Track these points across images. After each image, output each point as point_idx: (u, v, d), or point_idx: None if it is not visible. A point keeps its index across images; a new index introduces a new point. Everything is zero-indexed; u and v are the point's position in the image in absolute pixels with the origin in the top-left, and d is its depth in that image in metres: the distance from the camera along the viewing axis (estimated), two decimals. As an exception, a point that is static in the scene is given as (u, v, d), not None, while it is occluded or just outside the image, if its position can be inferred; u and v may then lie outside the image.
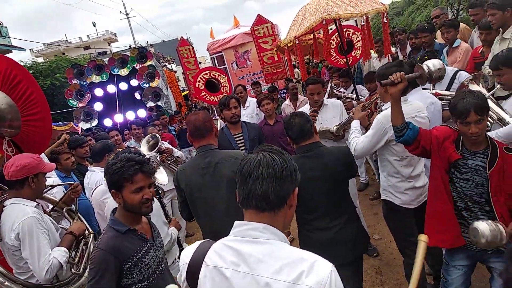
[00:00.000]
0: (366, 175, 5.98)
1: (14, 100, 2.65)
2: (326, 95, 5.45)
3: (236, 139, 3.80)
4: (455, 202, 2.31)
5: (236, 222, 1.24)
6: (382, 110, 2.97)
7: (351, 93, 5.28)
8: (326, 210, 2.53)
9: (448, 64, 4.34)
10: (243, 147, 3.77)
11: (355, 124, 3.16)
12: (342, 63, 6.12)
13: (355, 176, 2.91)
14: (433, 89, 3.74)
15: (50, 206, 2.83)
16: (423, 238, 1.51)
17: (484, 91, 2.90)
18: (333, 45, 5.98)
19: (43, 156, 3.42)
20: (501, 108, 2.80)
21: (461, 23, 4.78)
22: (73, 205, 2.87)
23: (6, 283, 2.23)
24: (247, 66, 11.12)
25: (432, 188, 2.42)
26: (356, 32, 6.11)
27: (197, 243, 1.35)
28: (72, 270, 2.43)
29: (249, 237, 1.19)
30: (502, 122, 2.71)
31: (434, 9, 5.96)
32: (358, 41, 5.99)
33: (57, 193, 3.24)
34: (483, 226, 1.81)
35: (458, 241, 2.31)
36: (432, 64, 2.31)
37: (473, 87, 3.02)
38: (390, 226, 3.13)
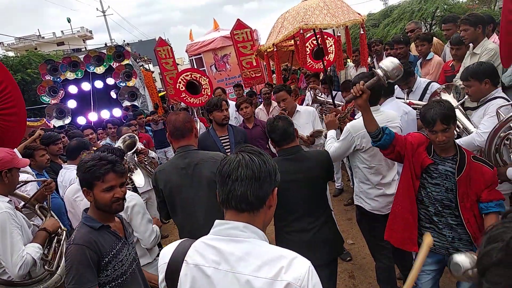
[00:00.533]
0: (342, 181, 6.10)
1: (-13, 93, 2.58)
2: (306, 101, 5.58)
3: (222, 141, 3.81)
4: (426, 207, 2.42)
5: (217, 221, 1.25)
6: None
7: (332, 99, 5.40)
8: (306, 211, 2.59)
9: (422, 76, 4.52)
10: (229, 150, 3.79)
11: (331, 133, 3.27)
12: (317, 67, 6.31)
13: (332, 179, 2.98)
14: (406, 99, 3.91)
15: (22, 203, 2.75)
16: (427, 241, 1.53)
17: (454, 101, 3.05)
18: (307, 51, 6.12)
19: (16, 151, 3.31)
20: (468, 118, 2.95)
21: (434, 37, 4.99)
22: (45, 202, 2.79)
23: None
24: (226, 70, 11.17)
25: (400, 190, 2.54)
26: (329, 38, 6.34)
27: (176, 242, 1.34)
28: (45, 267, 2.38)
29: (230, 236, 1.20)
30: (467, 131, 2.86)
31: (409, 23, 6.20)
32: (331, 45, 6.19)
33: (31, 191, 3.15)
34: (462, 259, 1.80)
35: (407, 243, 2.46)
36: (385, 66, 2.31)
37: (445, 96, 3.18)
38: (362, 231, 3.23)
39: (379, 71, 2.34)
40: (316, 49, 5.72)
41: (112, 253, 1.92)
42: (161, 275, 1.29)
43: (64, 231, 2.63)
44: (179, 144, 2.60)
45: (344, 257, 4.06)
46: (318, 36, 5.17)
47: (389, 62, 2.33)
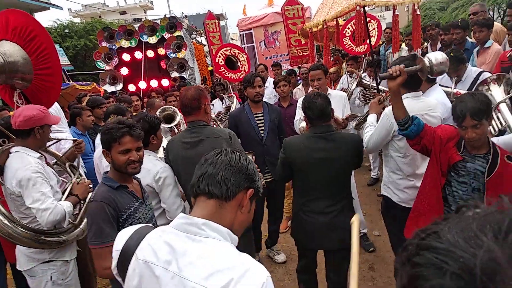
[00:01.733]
0: (379, 170, 5.88)
1: (29, 54, 2.73)
2: (346, 84, 5.36)
3: (256, 118, 3.80)
4: (449, 206, 2.26)
5: (180, 214, 1.18)
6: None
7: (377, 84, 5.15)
8: (325, 193, 2.60)
9: (477, 65, 4.15)
10: (262, 127, 3.78)
11: (371, 118, 3.10)
12: (357, 50, 6.02)
13: (359, 167, 2.90)
14: (454, 88, 3.61)
15: (54, 160, 2.93)
16: (355, 219, 1.44)
17: (502, 94, 2.77)
18: (348, 33, 5.84)
19: (56, 109, 3.51)
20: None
21: (497, 24, 4.53)
22: (76, 162, 2.96)
23: (6, 221, 2.36)
24: (275, 47, 11.01)
25: (426, 187, 2.38)
26: (372, 20, 5.98)
27: (135, 227, 1.27)
28: (69, 219, 2.54)
29: (187, 232, 1.12)
30: (510, 129, 2.59)
31: (474, 5, 5.64)
32: (373, 29, 5.84)
33: (67, 149, 3.34)
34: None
35: None
36: (434, 57, 2.20)
37: (494, 87, 2.89)
38: (386, 222, 3.11)
39: (425, 60, 2.21)
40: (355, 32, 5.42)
41: (130, 211, 2.01)
42: (114, 262, 1.23)
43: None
44: (188, 119, 2.74)
45: (367, 247, 3.95)
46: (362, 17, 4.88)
47: (439, 55, 2.23)
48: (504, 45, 4.27)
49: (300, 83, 6.11)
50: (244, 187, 1.20)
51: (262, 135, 3.74)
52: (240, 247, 2.75)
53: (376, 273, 3.62)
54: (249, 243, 2.89)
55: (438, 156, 2.25)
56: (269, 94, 5.74)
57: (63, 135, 3.39)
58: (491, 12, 14.77)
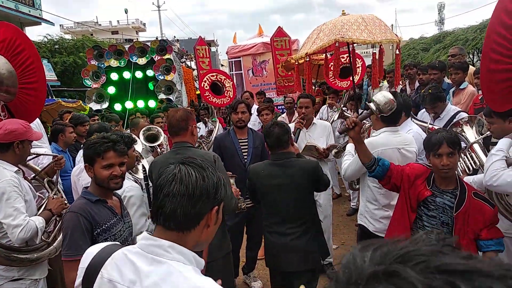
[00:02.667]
0: (358, 200, 5.95)
1: (15, 67, 2.75)
2: (325, 115, 5.52)
3: (240, 144, 3.86)
4: None
5: (144, 234, 1.17)
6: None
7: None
8: (286, 217, 2.73)
9: (453, 104, 4.35)
10: (246, 153, 3.83)
11: (349, 147, 3.21)
12: (340, 85, 6.25)
13: (323, 191, 3.11)
14: (429, 124, 3.76)
15: (33, 175, 2.90)
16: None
17: (474, 134, 2.91)
18: (332, 68, 6.09)
19: (37, 124, 3.48)
20: (486, 155, 2.80)
21: (472, 68, 4.79)
22: (55, 178, 2.94)
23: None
24: (262, 75, 11.23)
25: (395, 222, 2.47)
26: (357, 59, 6.26)
27: (102, 245, 1.27)
28: (42, 237, 2.49)
29: (152, 253, 1.10)
30: (483, 168, 2.71)
31: (453, 48, 5.96)
32: (358, 67, 6.10)
33: (46, 164, 3.31)
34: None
35: None
36: (378, 100, 2.32)
37: (466, 128, 3.04)
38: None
39: (371, 105, 2.35)
40: (343, 68, 5.67)
41: (106, 225, 2.01)
42: (78, 280, 1.23)
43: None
44: (175, 140, 2.76)
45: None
46: (346, 54, 5.11)
47: (381, 96, 2.34)
48: (478, 87, 4.50)
49: (285, 112, 6.25)
50: (207, 210, 1.15)
51: (246, 160, 3.79)
52: (220, 268, 2.75)
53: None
54: (228, 264, 2.92)
55: (407, 192, 2.36)
56: (254, 121, 5.84)
57: (42, 151, 3.36)
58: (471, 56, 15.53)
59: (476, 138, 2.92)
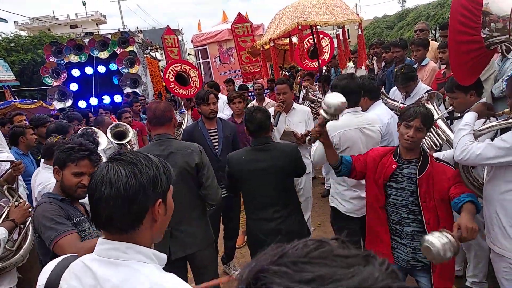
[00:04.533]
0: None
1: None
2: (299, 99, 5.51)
3: (210, 134, 3.79)
4: (389, 217, 2.38)
5: (99, 239, 1.10)
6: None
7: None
8: (269, 201, 2.75)
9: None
10: (217, 143, 3.77)
11: None
12: (311, 66, 6.25)
13: (302, 175, 3.15)
14: (400, 104, 3.82)
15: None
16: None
17: (437, 110, 2.97)
18: (303, 50, 6.08)
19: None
20: (451, 130, 2.87)
21: (434, 42, 4.88)
22: (15, 184, 2.80)
23: None
24: (230, 63, 11.10)
25: (369, 208, 2.54)
26: (325, 37, 6.27)
27: (57, 259, 1.22)
28: (7, 246, 2.38)
29: (110, 257, 1.06)
30: (450, 143, 2.78)
31: (420, 23, 6.01)
32: (327, 45, 6.13)
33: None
34: (434, 242, 1.74)
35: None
36: (326, 105, 2.21)
37: (428, 106, 3.10)
38: (335, 232, 3.20)
39: (321, 111, 2.27)
40: (313, 48, 5.67)
41: (76, 220, 2.00)
42: None
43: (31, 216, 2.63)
44: (157, 132, 2.66)
45: None
46: (314, 35, 5.09)
47: (330, 100, 2.21)
48: (439, 63, 4.60)
49: (254, 98, 6.20)
50: (148, 207, 1.07)
51: (217, 150, 3.74)
52: (206, 258, 2.73)
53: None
54: (213, 253, 2.94)
55: (374, 175, 2.42)
56: (219, 110, 5.76)
57: (3, 156, 3.19)
58: (433, 31, 15.93)
59: (438, 114, 2.98)
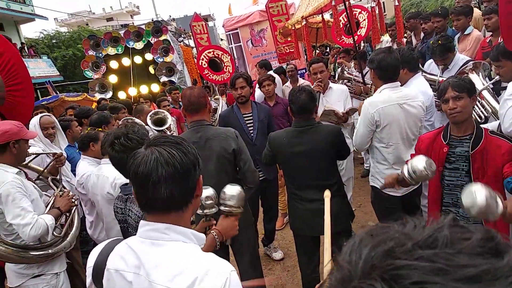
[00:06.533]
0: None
1: None
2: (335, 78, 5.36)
3: (245, 119, 3.80)
4: (443, 199, 2.30)
5: (141, 222, 1.17)
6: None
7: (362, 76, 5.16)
8: (311, 183, 2.73)
9: (459, 51, 4.18)
10: (252, 127, 3.78)
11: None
12: (348, 43, 6.01)
13: (346, 158, 3.06)
14: (439, 77, 3.62)
15: (36, 175, 2.92)
16: (326, 194, 1.47)
17: (481, 82, 2.79)
18: (340, 26, 5.85)
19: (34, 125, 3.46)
20: (497, 101, 2.69)
21: (477, 10, 4.55)
22: (58, 175, 2.96)
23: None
24: (262, 45, 10.98)
25: (430, 199, 2.45)
26: (363, 12, 5.98)
27: (103, 243, 1.29)
28: (55, 233, 2.52)
29: (151, 238, 1.12)
30: (495, 115, 2.62)
31: None
32: (364, 20, 5.86)
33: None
34: (480, 191, 1.56)
35: None
36: (412, 170, 2.04)
37: (473, 76, 2.92)
38: (376, 212, 3.13)
39: (405, 172, 2.09)
40: (348, 25, 5.44)
41: None
42: (89, 279, 1.26)
43: (76, 203, 2.78)
44: (193, 119, 2.67)
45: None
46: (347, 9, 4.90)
47: (417, 166, 2.03)
48: (484, 31, 4.30)
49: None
50: (196, 181, 1.16)
51: (252, 135, 3.75)
52: (245, 238, 2.79)
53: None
54: (252, 234, 2.96)
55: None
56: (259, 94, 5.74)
57: (39, 150, 3.35)
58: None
59: (484, 84, 2.80)
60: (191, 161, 1.12)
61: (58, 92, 10.32)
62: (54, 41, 20.63)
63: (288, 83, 5.78)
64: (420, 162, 2.03)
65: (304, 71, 8.77)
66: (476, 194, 1.55)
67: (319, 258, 3.00)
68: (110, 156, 1.87)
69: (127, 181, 1.91)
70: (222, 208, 1.84)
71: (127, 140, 1.81)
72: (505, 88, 2.92)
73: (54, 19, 41.74)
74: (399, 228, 0.46)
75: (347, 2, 4.61)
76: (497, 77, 2.75)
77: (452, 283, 0.38)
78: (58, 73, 17.38)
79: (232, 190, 1.85)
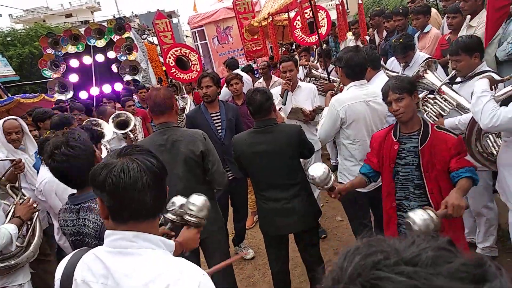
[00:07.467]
0: (337, 157, 6.03)
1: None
2: (301, 76, 5.42)
3: (213, 118, 3.76)
4: (396, 193, 2.39)
5: (107, 232, 1.14)
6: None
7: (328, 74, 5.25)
8: (275, 182, 2.75)
9: (419, 49, 4.34)
10: (220, 127, 3.75)
11: (325, 111, 3.19)
12: (308, 41, 6.12)
13: (310, 156, 3.08)
14: (401, 73, 3.75)
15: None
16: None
17: (438, 78, 2.91)
18: (298, 25, 5.93)
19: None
20: (458, 94, 2.82)
21: (433, 9, 4.75)
22: (17, 182, 2.82)
23: None
24: (228, 42, 10.96)
25: (383, 189, 2.52)
26: (321, 11, 6.11)
27: (70, 254, 1.26)
28: (17, 243, 2.41)
29: (119, 247, 1.11)
30: (460, 107, 2.75)
31: None
32: (323, 19, 5.98)
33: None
34: (414, 217, 1.82)
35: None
36: (312, 179, 2.33)
37: (428, 75, 3.05)
38: (345, 208, 3.20)
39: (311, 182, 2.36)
40: (309, 23, 5.52)
41: None
42: None
43: (37, 212, 2.66)
44: (159, 121, 2.62)
45: (320, 234, 4.04)
46: (309, 9, 4.96)
47: (315, 173, 2.32)
48: (442, 29, 4.49)
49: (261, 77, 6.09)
50: (166, 188, 1.21)
51: (220, 134, 3.72)
52: (216, 240, 2.77)
53: (341, 258, 3.73)
54: (223, 236, 2.97)
55: (381, 158, 2.42)
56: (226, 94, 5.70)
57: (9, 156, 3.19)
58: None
59: (441, 80, 2.93)
60: (164, 168, 1.16)
61: (9, 94, 9.78)
62: (8, 38, 19.56)
63: (261, 80, 5.77)
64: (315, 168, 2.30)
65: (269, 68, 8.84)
66: (412, 222, 1.81)
67: (288, 256, 3.05)
68: (51, 168, 1.70)
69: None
70: (189, 218, 1.75)
71: (68, 149, 1.66)
72: (458, 82, 3.08)
73: (9, 15, 39.69)
74: (395, 242, 0.50)
75: (312, 1, 4.66)
76: (453, 72, 2.88)
77: None
78: (14, 73, 16.48)
79: (201, 201, 1.78)
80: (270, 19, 4.84)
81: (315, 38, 6.11)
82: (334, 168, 5.98)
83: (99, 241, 1.60)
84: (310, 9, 5.02)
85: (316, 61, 6.30)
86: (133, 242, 1.10)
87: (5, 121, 3.26)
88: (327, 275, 0.53)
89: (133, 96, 6.65)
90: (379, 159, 2.45)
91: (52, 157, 1.65)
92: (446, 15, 3.95)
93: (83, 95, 9.79)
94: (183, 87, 6.13)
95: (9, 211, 2.56)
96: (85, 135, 1.91)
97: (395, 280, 0.44)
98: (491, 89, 2.35)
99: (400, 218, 2.38)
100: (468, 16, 3.55)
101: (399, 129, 2.34)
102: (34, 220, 2.56)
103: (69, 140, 1.69)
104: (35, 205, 2.59)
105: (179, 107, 5.81)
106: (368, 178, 2.52)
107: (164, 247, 1.15)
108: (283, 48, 9.24)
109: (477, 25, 3.43)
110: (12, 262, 2.37)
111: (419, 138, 2.24)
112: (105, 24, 10.37)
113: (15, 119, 3.42)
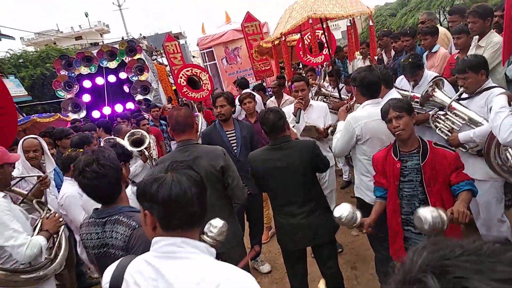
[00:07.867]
0: (349, 173, 6.09)
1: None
2: (311, 94, 5.55)
3: (228, 135, 3.88)
4: (402, 208, 2.48)
5: (155, 238, 1.21)
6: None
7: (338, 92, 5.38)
8: (291, 198, 2.82)
9: (427, 68, 4.45)
10: (235, 144, 3.85)
11: (340, 125, 3.28)
12: (314, 62, 6.28)
13: (325, 171, 3.13)
14: (411, 92, 3.85)
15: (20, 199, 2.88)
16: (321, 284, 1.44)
17: (446, 95, 3.01)
18: (304, 46, 6.13)
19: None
20: (468, 109, 2.92)
21: (442, 28, 4.88)
22: (44, 197, 2.93)
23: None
24: (237, 63, 11.19)
25: (388, 206, 2.60)
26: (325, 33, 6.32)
27: (117, 261, 1.33)
28: (45, 255, 2.49)
29: (167, 252, 1.18)
30: (473, 122, 2.84)
31: (422, 14, 6.02)
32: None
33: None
34: (425, 213, 1.88)
35: (400, 253, 2.53)
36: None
37: (437, 93, 3.15)
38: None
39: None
40: (319, 42, 5.68)
41: None
42: None
43: (63, 226, 2.75)
44: (180, 138, 2.72)
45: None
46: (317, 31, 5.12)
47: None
48: (450, 48, 4.61)
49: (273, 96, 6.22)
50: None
51: (236, 151, 3.82)
52: (237, 253, 2.84)
53: (358, 271, 3.75)
54: (243, 249, 3.02)
55: (387, 174, 2.51)
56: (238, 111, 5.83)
57: (24, 173, 3.30)
58: (437, 15, 15.73)
59: (450, 98, 3.04)
60: (204, 181, 1.27)
61: (24, 114, 10.00)
62: (21, 60, 20.05)
63: (272, 98, 5.91)
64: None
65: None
66: (424, 218, 1.85)
67: (306, 270, 3.08)
68: (81, 184, 1.77)
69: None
70: (206, 238, 1.81)
71: (99, 167, 1.74)
72: (465, 98, 3.17)
73: (20, 38, 40.67)
74: (457, 241, 0.59)
75: (324, 23, 4.82)
76: (462, 89, 2.98)
77: (486, 281, 0.49)
78: (26, 93, 16.84)
79: (223, 226, 1.85)
80: (283, 38, 4.99)
81: (321, 59, 6.29)
82: (347, 184, 6.05)
83: (126, 252, 1.66)
84: (319, 31, 5.17)
85: (323, 80, 6.45)
86: (181, 247, 1.17)
87: (24, 139, 3.40)
88: (397, 270, 0.59)
89: (144, 115, 6.80)
90: (386, 179, 2.54)
91: (83, 173, 1.73)
92: (452, 35, 4.08)
93: (95, 114, 9.99)
94: (195, 106, 6.27)
95: (36, 225, 2.65)
96: (114, 153, 1.97)
97: (462, 266, 0.52)
98: (509, 105, 2.45)
99: (407, 233, 2.47)
100: (476, 37, 3.66)
101: (399, 148, 2.46)
102: (60, 233, 2.64)
103: (99, 158, 1.78)
104: (60, 219, 2.68)
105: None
106: (385, 199, 2.60)
107: (209, 253, 1.22)
108: (292, 69, 9.47)
109: (485, 45, 3.54)
110: (41, 273, 2.44)
111: (419, 155, 2.36)
112: (116, 46, 10.65)
113: (35, 138, 3.55)
